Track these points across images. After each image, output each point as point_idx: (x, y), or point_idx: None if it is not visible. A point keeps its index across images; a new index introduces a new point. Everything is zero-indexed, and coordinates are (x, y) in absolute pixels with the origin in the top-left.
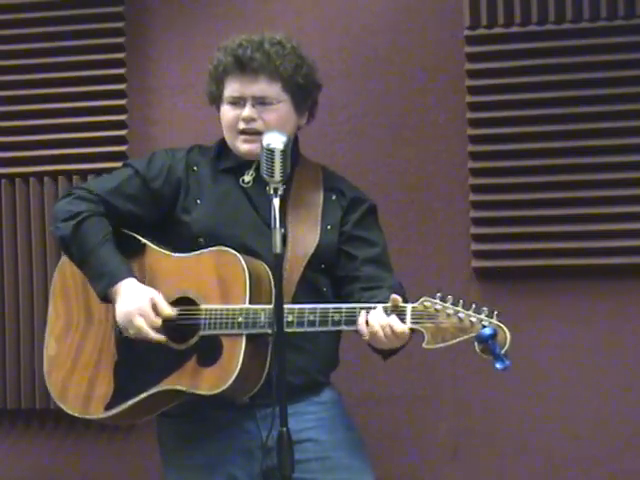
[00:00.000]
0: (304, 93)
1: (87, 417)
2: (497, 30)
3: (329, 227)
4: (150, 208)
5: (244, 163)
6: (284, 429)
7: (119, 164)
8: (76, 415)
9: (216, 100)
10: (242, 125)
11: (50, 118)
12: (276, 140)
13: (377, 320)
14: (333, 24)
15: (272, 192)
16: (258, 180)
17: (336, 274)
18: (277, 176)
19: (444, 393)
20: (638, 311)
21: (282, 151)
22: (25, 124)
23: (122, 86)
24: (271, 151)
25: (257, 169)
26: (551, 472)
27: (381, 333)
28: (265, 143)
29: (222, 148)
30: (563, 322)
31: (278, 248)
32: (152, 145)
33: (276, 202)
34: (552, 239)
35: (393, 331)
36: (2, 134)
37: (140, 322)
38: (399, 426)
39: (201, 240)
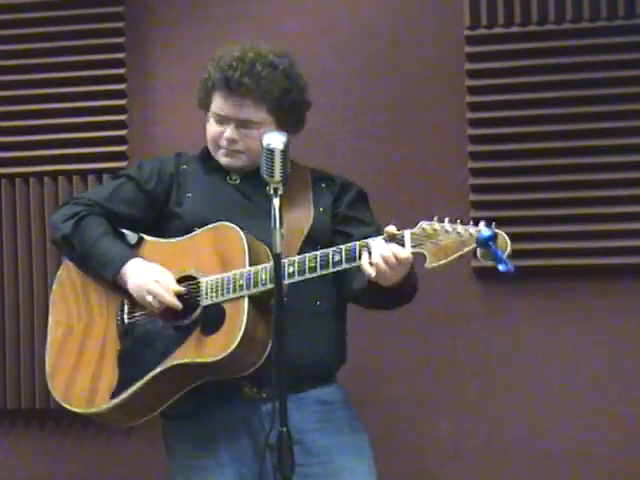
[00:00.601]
0: (289, 115)
1: (93, 411)
2: (497, 30)
3: (322, 209)
4: (147, 210)
5: None
6: (284, 429)
7: (119, 164)
8: (81, 411)
9: (204, 108)
10: (224, 143)
11: (50, 118)
12: (276, 140)
13: (379, 251)
14: (333, 24)
15: (272, 192)
16: (245, 178)
17: None
18: (277, 176)
19: (444, 394)
20: (638, 311)
21: (282, 151)
22: (25, 124)
23: (122, 86)
24: (271, 151)
25: (241, 171)
26: (551, 472)
27: (383, 265)
28: (265, 143)
29: (207, 153)
30: (563, 322)
31: (278, 248)
32: (152, 145)
33: (276, 202)
34: (552, 239)
35: (396, 257)
36: (2, 134)
37: (156, 287)
38: (399, 427)
39: (196, 229)
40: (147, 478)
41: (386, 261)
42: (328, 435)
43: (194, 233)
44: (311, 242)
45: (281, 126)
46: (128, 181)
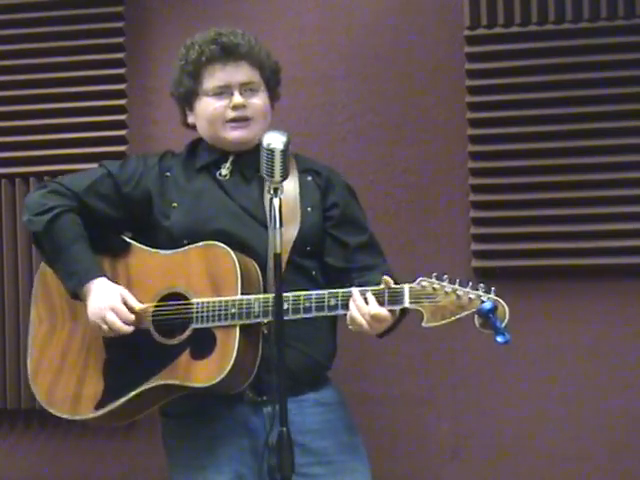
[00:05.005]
0: (275, 79)
1: (76, 418)
2: (497, 30)
3: (309, 209)
4: (121, 210)
5: (220, 157)
6: (284, 429)
7: None
8: (64, 417)
9: (189, 96)
10: (232, 114)
11: (50, 118)
12: (276, 140)
13: (357, 308)
14: (333, 24)
15: (272, 192)
16: (235, 172)
17: (328, 262)
18: (277, 176)
19: (444, 394)
20: (637, 311)
21: (282, 151)
22: (25, 124)
23: (122, 86)
24: (271, 151)
25: (234, 162)
26: (551, 472)
27: (363, 321)
28: (265, 143)
29: (193, 149)
30: (563, 322)
31: (278, 248)
32: (152, 145)
33: (276, 202)
34: (552, 239)
35: (371, 316)
36: (2, 134)
37: (112, 317)
38: (399, 427)
39: (185, 242)
40: (146, 478)
41: (363, 317)
42: (326, 436)
43: (185, 249)
44: (300, 245)
45: (271, 95)
46: (108, 177)
